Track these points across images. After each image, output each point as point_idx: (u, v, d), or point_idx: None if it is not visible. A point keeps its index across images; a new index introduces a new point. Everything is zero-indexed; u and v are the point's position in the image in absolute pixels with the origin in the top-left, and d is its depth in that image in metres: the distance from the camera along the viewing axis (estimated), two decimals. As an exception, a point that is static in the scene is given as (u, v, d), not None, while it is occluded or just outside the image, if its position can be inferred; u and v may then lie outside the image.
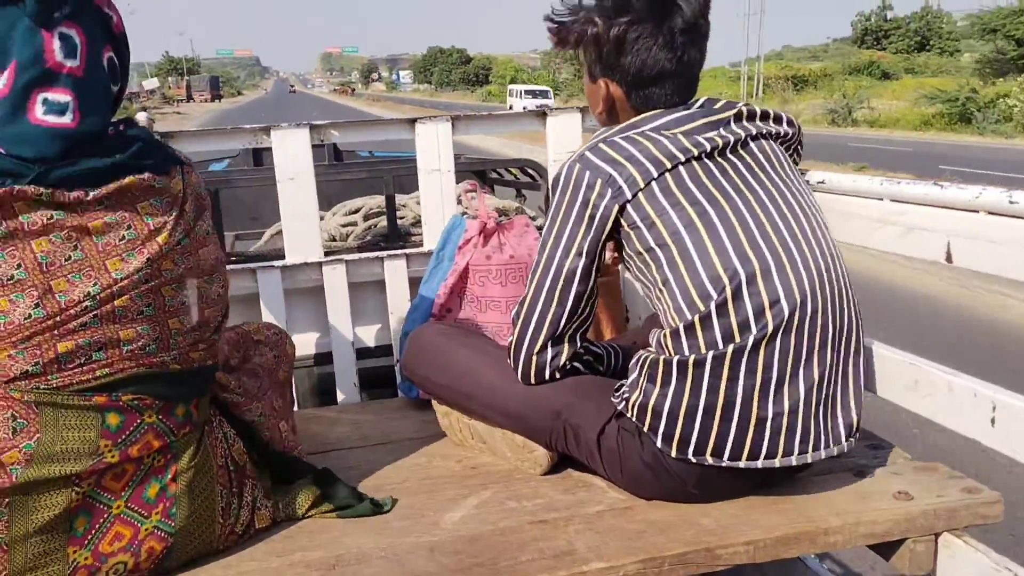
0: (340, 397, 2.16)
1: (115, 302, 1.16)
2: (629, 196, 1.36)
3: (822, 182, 1.64)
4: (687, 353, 1.33)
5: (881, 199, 1.50)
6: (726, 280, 1.31)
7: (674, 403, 1.34)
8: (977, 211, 1.31)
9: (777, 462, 1.35)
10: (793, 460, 1.36)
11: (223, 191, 2.60)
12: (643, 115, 1.44)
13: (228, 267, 2.07)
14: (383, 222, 2.56)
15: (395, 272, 2.16)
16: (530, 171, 3.23)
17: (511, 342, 1.51)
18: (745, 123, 1.44)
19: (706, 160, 1.39)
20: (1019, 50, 33.18)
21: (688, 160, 1.37)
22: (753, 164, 1.42)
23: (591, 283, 1.44)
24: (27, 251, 1.11)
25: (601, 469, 1.48)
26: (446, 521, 1.40)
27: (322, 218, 2.48)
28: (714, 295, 1.31)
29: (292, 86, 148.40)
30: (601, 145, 1.41)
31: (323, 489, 1.46)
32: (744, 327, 1.31)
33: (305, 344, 2.20)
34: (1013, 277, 1.25)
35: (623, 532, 1.33)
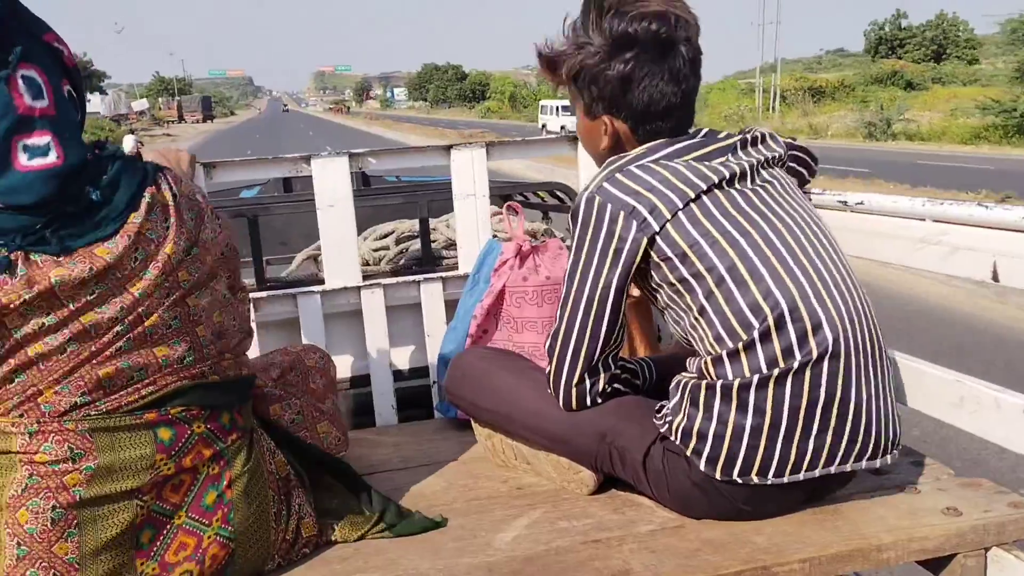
0: (378, 419, 2.18)
1: (146, 323, 1.19)
2: (657, 228, 1.38)
3: (861, 203, 1.67)
4: (730, 378, 1.36)
5: (923, 219, 1.53)
6: (767, 309, 1.34)
7: (719, 426, 1.37)
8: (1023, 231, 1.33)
9: (819, 471, 1.37)
10: (833, 469, 1.38)
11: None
12: (650, 144, 1.46)
13: (268, 293, 2.12)
14: (414, 246, 2.60)
15: (431, 295, 2.19)
16: (559, 193, 3.27)
17: (548, 373, 1.53)
18: (751, 150, 1.48)
19: (727, 188, 1.41)
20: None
21: (710, 189, 1.39)
22: (770, 190, 1.46)
23: (621, 312, 1.46)
24: (54, 300, 1.13)
25: (648, 490, 1.50)
26: (499, 541, 1.42)
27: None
28: (756, 324, 1.34)
29: (285, 105, 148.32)
30: (619, 176, 1.42)
31: (373, 510, 1.48)
32: (788, 353, 1.34)
33: (342, 367, 2.23)
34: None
35: (678, 551, 1.34)
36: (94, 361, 1.16)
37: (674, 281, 1.40)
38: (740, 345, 1.35)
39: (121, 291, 1.17)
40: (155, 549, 1.21)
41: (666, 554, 1.34)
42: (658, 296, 1.47)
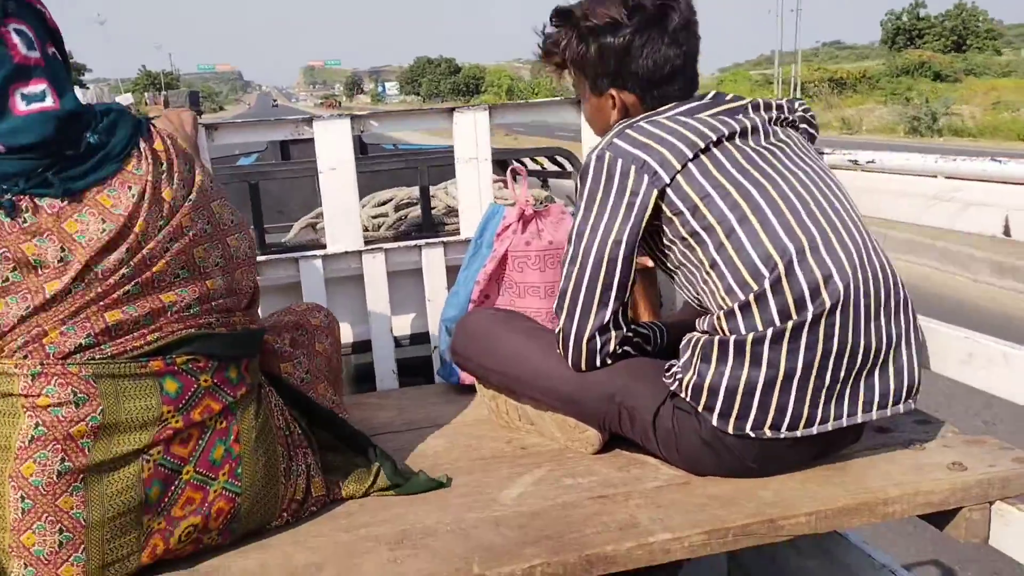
0: (379, 384, 2.18)
1: (152, 269, 1.20)
2: (667, 180, 1.38)
3: (872, 161, 1.66)
4: (743, 332, 1.35)
5: (935, 176, 1.52)
6: (777, 258, 1.34)
7: (731, 380, 1.37)
8: None
9: (830, 425, 1.38)
10: (844, 421, 1.39)
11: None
12: (660, 108, 1.47)
13: (271, 257, 2.11)
14: (413, 212, 2.58)
15: (433, 260, 2.18)
16: (559, 159, 3.25)
17: (558, 333, 1.52)
18: (762, 112, 1.49)
19: (738, 141, 1.42)
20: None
21: (720, 140, 1.40)
22: (782, 147, 1.46)
23: (632, 270, 1.46)
24: (62, 233, 1.15)
25: (656, 449, 1.50)
26: (505, 497, 1.42)
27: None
28: (767, 274, 1.34)
29: (275, 100, 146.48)
30: (628, 131, 1.43)
31: (379, 467, 1.48)
32: (800, 304, 1.34)
33: (344, 332, 2.22)
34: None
35: (684, 505, 1.35)
36: (101, 304, 1.16)
37: (686, 235, 1.40)
38: (751, 296, 1.34)
39: (127, 234, 1.18)
40: (163, 505, 1.21)
41: (673, 508, 1.34)
42: (669, 255, 1.47)
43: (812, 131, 1.72)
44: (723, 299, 1.38)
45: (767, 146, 1.44)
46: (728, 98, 1.49)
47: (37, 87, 1.16)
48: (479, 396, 1.83)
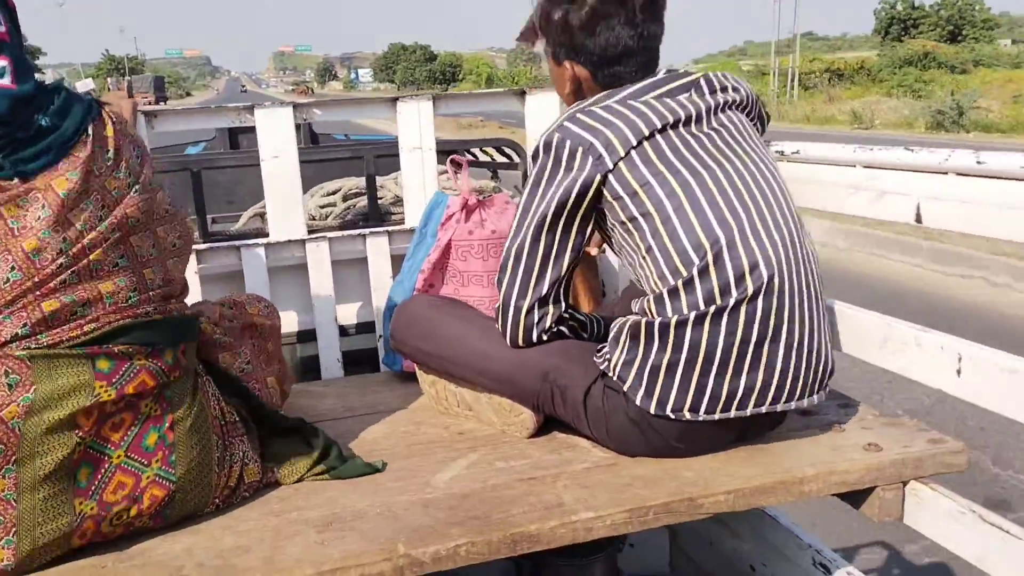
0: (324, 372, 2.18)
1: (90, 256, 1.20)
2: (611, 165, 1.41)
3: (796, 152, 1.71)
4: (669, 315, 1.39)
5: (854, 166, 1.57)
6: (707, 245, 1.38)
7: (656, 361, 1.40)
8: (947, 172, 1.38)
9: (749, 411, 1.42)
10: (764, 409, 1.43)
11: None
12: (612, 90, 1.50)
13: (212, 245, 2.10)
14: (362, 202, 2.59)
15: (377, 249, 2.19)
16: (506, 150, 3.27)
17: (498, 307, 1.55)
18: (708, 93, 1.51)
19: (682, 129, 1.45)
20: None
21: (665, 128, 1.43)
22: (725, 134, 1.49)
23: (571, 243, 1.49)
24: (2, 218, 1.14)
25: (587, 429, 1.53)
26: (437, 481, 1.44)
27: (301, 200, 2.50)
28: (696, 261, 1.38)
29: (243, 86, 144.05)
30: (579, 115, 1.46)
31: (315, 452, 1.50)
32: (725, 290, 1.38)
33: (288, 322, 2.22)
34: (980, 234, 1.33)
35: (610, 486, 1.38)
36: (38, 292, 1.15)
37: (624, 220, 1.43)
38: (680, 282, 1.38)
39: (65, 223, 1.17)
40: (93, 488, 1.21)
41: (598, 489, 1.37)
42: (612, 238, 1.51)
43: (764, 125, 1.75)
44: (656, 284, 1.42)
45: (708, 132, 1.47)
46: (680, 73, 1.52)
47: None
48: (420, 383, 1.85)
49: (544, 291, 1.50)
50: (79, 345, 1.19)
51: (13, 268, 1.14)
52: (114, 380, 1.21)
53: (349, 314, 2.30)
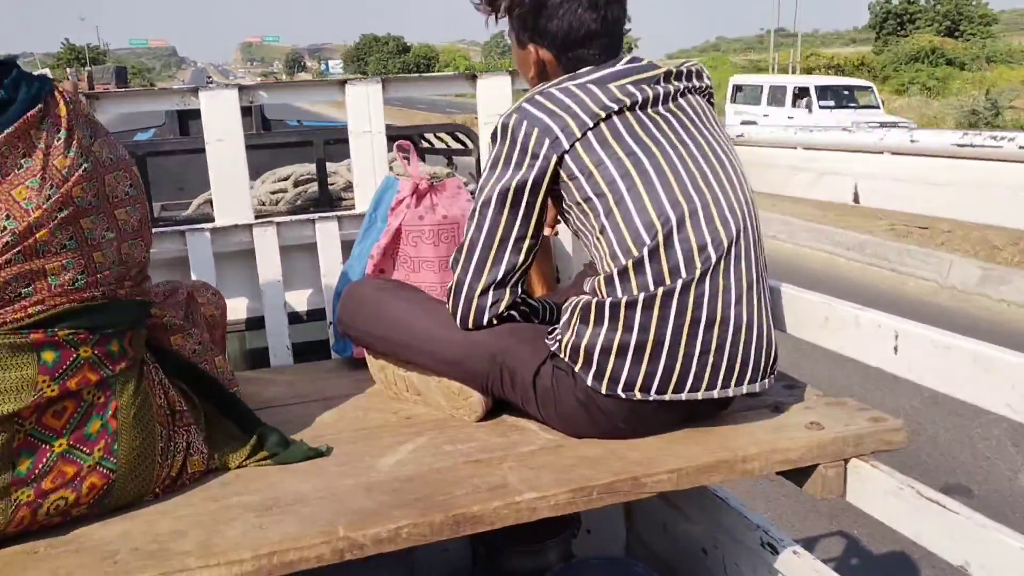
0: (272, 360, 2.15)
1: (36, 235, 1.16)
2: (567, 146, 1.41)
3: (741, 135, 1.72)
4: (619, 295, 1.39)
5: (795, 148, 1.59)
6: (658, 226, 1.38)
7: (606, 342, 1.40)
8: (882, 152, 1.40)
9: (700, 395, 1.42)
10: (715, 393, 1.43)
11: (149, 160, 2.56)
12: (574, 72, 1.50)
13: (156, 230, 2.06)
14: (313, 188, 2.56)
15: (327, 234, 2.17)
16: (460, 136, 3.25)
17: (451, 287, 1.54)
18: (673, 81, 1.52)
19: (639, 112, 1.45)
20: None
21: (622, 110, 1.43)
22: (683, 117, 1.49)
23: (530, 229, 1.49)
24: None
25: (535, 410, 1.53)
26: (382, 465, 1.43)
27: (251, 187, 2.46)
28: (647, 241, 1.38)
29: (209, 77, 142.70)
30: (538, 97, 1.46)
31: (258, 438, 1.48)
32: (674, 271, 1.38)
33: (236, 309, 2.18)
34: (916, 212, 1.35)
35: (555, 467, 1.38)
36: None
37: (580, 200, 1.44)
38: (631, 262, 1.38)
39: (8, 199, 1.14)
40: (32, 477, 1.18)
41: (543, 470, 1.37)
42: (569, 219, 1.51)
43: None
44: (608, 264, 1.42)
45: (664, 113, 1.48)
46: (643, 64, 1.51)
47: None
48: (370, 368, 1.83)
49: (500, 275, 1.50)
50: (23, 328, 1.15)
51: None
52: (57, 375, 1.19)
53: (299, 301, 2.27)
